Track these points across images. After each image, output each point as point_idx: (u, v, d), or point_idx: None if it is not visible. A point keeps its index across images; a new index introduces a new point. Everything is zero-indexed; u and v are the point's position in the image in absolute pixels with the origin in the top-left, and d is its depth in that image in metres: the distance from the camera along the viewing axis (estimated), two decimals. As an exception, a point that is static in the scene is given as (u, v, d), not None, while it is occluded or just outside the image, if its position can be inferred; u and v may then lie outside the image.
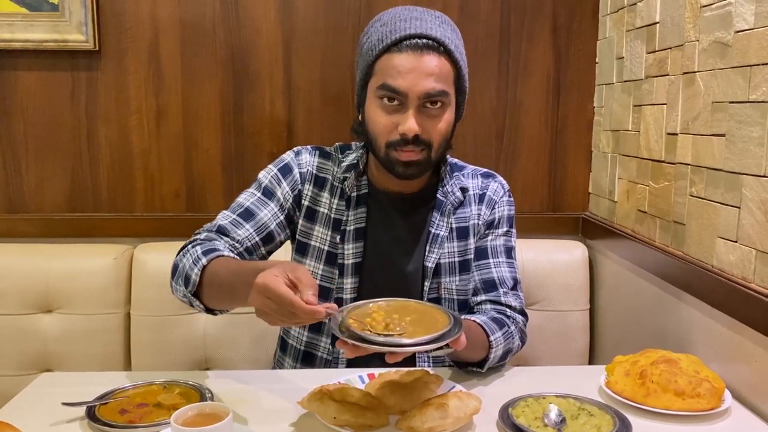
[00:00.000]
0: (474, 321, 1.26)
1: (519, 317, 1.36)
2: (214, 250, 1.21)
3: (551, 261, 1.90)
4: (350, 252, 1.36)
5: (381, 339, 0.97)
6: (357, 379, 1.24)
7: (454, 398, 1.06)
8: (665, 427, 1.11)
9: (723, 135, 1.29)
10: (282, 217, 1.37)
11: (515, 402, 1.14)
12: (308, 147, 1.44)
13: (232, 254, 1.24)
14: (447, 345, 1.01)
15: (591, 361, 1.92)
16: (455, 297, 1.38)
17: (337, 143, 1.46)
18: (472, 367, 1.28)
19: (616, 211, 1.82)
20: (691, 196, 1.42)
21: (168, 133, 1.95)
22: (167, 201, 1.98)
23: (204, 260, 1.18)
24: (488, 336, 1.24)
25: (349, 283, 1.36)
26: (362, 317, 1.04)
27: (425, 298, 1.36)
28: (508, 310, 1.35)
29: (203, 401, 1.13)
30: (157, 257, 1.83)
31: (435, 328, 1.01)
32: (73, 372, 1.69)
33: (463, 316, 1.30)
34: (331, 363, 1.39)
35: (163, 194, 1.97)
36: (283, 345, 1.47)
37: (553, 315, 1.88)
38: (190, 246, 1.27)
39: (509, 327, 1.31)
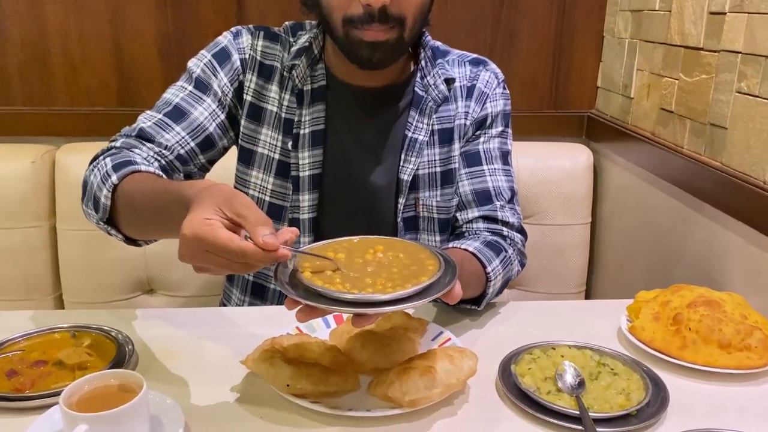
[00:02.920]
0: (466, 249, 1.01)
1: (517, 236, 1.12)
2: (128, 163, 0.92)
3: (550, 167, 1.64)
4: (306, 162, 1.07)
5: (347, 296, 0.70)
6: (320, 322, 0.99)
7: (444, 359, 0.82)
8: (706, 388, 0.88)
9: (796, 13, 1.00)
10: (223, 117, 1.07)
11: (519, 355, 0.91)
12: (250, 26, 1.11)
13: (153, 167, 0.95)
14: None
15: (588, 282, 1.70)
16: (435, 216, 1.13)
17: (287, 22, 1.14)
18: (466, 304, 1.04)
19: (631, 109, 1.53)
20: (739, 93, 1.13)
21: (90, 7, 1.58)
22: (94, 93, 1.64)
23: (114, 178, 0.90)
24: (484, 267, 1.00)
25: (306, 200, 1.08)
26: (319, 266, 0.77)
27: (399, 218, 1.10)
28: (504, 228, 1.11)
29: (119, 357, 0.88)
30: (84, 160, 1.46)
31: (419, 276, 0.74)
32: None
33: (451, 244, 1.05)
34: (284, 297, 1.13)
35: (89, 84, 1.63)
36: (229, 275, 1.21)
37: (549, 229, 1.65)
38: (101, 157, 0.98)
39: (507, 251, 1.07)
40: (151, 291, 1.60)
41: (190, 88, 1.06)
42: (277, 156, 1.08)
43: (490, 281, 1.00)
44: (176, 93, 1.06)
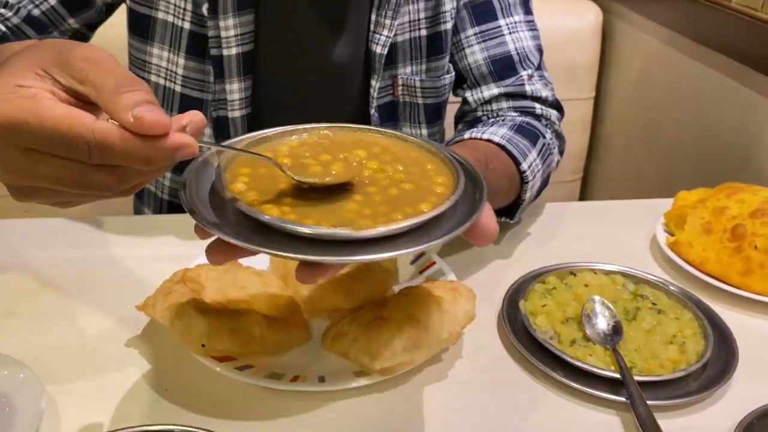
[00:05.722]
0: (489, 140, 0.73)
1: (553, 113, 0.84)
2: None
3: (548, 28, 1.30)
4: (231, 33, 0.74)
5: (300, 229, 0.40)
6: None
7: (431, 303, 0.57)
8: (777, 327, 0.67)
9: None
10: None
11: (528, 285, 0.67)
12: None
13: None
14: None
15: (587, 168, 1.46)
16: (420, 101, 0.83)
17: None
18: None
19: (658, -48, 1.22)
20: None
21: None
22: None
23: None
24: (518, 163, 0.72)
25: (235, 90, 0.76)
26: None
27: (373, 107, 0.80)
28: (537, 105, 0.82)
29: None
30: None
31: (419, 201, 0.44)
32: None
33: (468, 133, 0.75)
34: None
35: None
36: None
37: (545, 105, 1.37)
38: None
39: (544, 136, 0.79)
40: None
41: None
42: (186, 25, 0.75)
43: (527, 182, 0.73)
44: None
